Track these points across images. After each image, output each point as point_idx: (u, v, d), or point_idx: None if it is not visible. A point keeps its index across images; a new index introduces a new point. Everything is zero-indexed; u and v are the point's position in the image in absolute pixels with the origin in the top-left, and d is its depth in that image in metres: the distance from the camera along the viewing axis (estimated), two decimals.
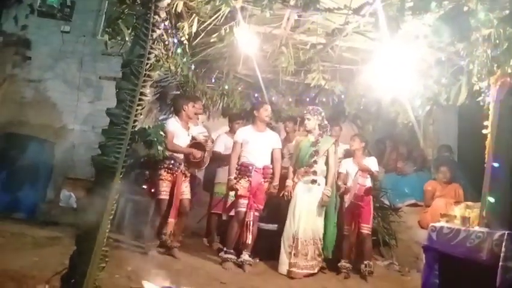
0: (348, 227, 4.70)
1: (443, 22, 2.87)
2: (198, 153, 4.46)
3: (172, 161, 4.33)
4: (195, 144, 4.51)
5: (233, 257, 4.32)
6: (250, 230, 4.35)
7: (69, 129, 6.43)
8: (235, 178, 4.42)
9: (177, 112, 4.61)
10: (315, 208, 4.47)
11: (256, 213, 4.44)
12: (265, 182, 4.53)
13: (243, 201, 4.39)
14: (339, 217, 4.75)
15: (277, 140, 4.70)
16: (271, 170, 4.55)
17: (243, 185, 4.39)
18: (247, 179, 4.41)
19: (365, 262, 4.54)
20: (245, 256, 4.35)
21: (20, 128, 6.18)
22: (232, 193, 4.61)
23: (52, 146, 6.10)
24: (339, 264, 4.58)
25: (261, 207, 4.52)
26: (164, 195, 4.30)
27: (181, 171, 4.40)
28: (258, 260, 4.67)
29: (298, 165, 4.64)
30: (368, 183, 4.70)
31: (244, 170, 4.44)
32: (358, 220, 4.65)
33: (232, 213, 4.62)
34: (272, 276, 4.32)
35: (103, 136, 2.65)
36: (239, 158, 4.54)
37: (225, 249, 4.43)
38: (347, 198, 4.77)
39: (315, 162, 4.52)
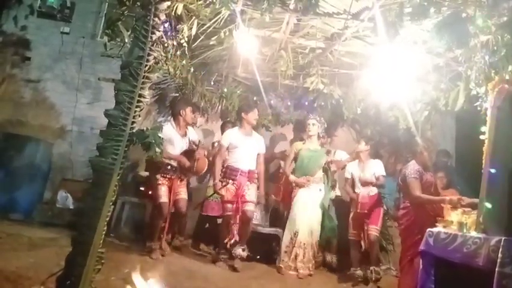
0: (356, 231, 4.64)
1: (442, 28, 2.88)
2: (186, 162, 4.42)
3: (168, 167, 4.35)
4: (187, 152, 4.49)
5: (226, 256, 4.39)
6: (242, 229, 4.38)
7: (67, 130, 6.42)
8: (220, 181, 4.44)
9: (174, 117, 4.60)
10: (315, 213, 4.57)
11: (248, 208, 4.39)
12: (251, 184, 4.51)
13: (229, 206, 4.42)
14: (343, 220, 4.81)
15: (262, 145, 4.76)
16: (256, 175, 4.58)
17: (229, 189, 4.41)
18: (233, 182, 4.43)
19: (371, 268, 4.44)
20: (238, 250, 4.32)
21: (18, 128, 6.17)
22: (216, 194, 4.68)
23: (50, 147, 6.09)
24: (349, 273, 4.54)
25: (253, 200, 4.48)
26: (164, 199, 4.30)
27: (177, 176, 4.40)
28: (258, 257, 4.74)
29: (299, 173, 4.72)
30: (373, 190, 4.68)
31: (229, 174, 4.45)
32: (366, 223, 4.58)
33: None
34: (269, 280, 4.29)
35: (101, 137, 2.65)
36: (224, 162, 4.57)
37: (216, 249, 4.55)
38: (352, 207, 4.73)
39: (318, 169, 4.68)
